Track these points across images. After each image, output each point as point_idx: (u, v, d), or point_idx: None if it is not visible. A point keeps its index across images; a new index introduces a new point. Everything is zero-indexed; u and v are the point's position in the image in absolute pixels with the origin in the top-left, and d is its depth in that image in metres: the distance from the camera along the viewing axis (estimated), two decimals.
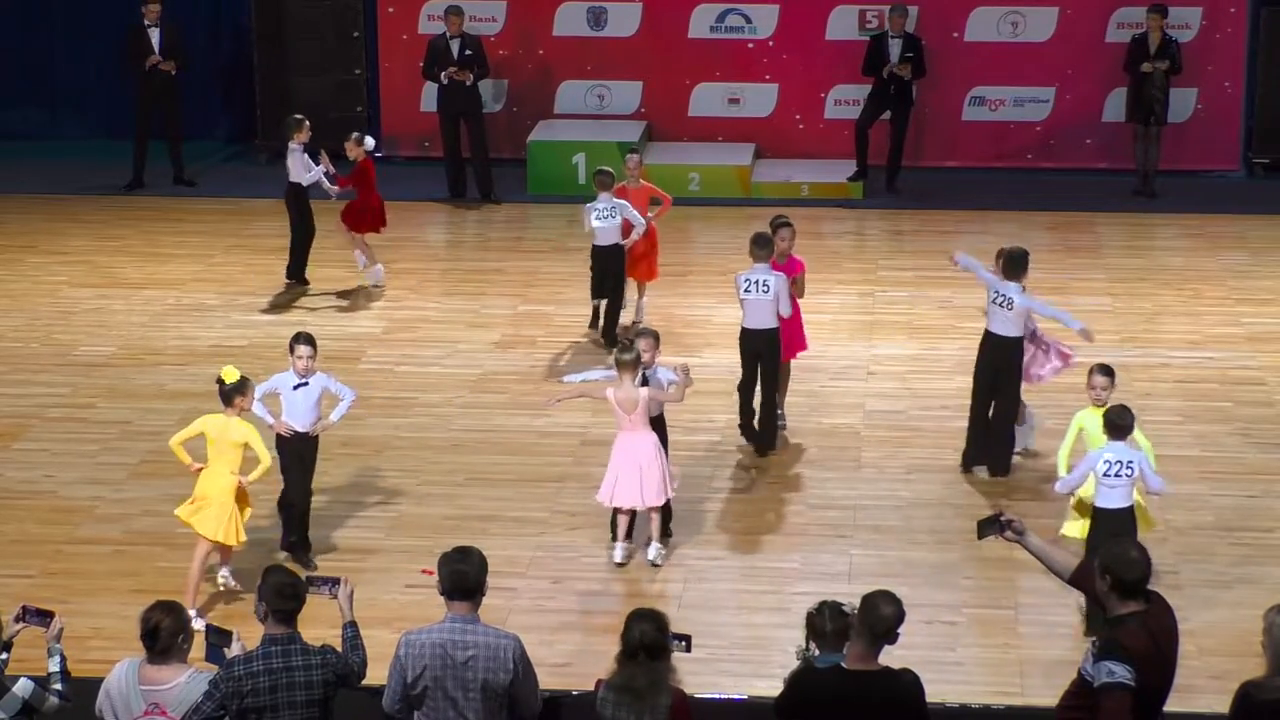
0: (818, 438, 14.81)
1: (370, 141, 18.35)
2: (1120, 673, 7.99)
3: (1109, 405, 11.91)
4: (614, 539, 12.85)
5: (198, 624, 11.21)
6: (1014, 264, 13.83)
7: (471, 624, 8.61)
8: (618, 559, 12.74)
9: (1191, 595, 12.00)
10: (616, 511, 12.79)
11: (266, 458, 12.17)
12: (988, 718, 10.44)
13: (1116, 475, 11.48)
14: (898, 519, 13.50)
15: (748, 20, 22.53)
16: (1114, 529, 11.23)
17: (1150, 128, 21.14)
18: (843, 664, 8.36)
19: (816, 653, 8.89)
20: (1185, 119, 21.88)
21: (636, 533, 12.86)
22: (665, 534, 12.96)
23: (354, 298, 18.16)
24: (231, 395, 12.07)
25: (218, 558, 12.31)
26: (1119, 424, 11.58)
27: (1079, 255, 19.26)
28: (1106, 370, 12.28)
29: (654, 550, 12.76)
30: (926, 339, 17.05)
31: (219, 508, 12.00)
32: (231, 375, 12.13)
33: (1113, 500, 11.52)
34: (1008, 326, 13.78)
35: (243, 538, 12.22)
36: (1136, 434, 11.76)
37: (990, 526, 8.86)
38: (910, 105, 21.39)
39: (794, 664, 9.09)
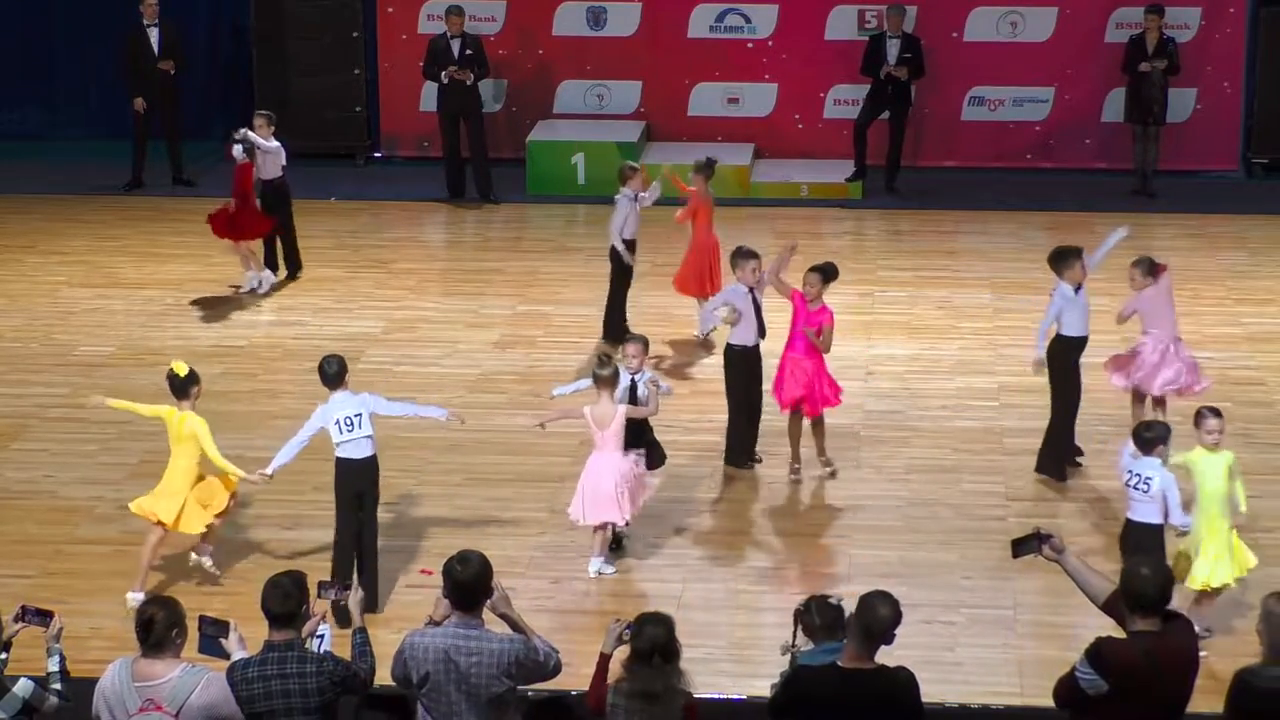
0: None
1: (238, 150, 17.87)
2: (1081, 671, 8.03)
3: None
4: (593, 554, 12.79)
5: (134, 598, 11.74)
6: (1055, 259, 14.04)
7: (475, 628, 8.56)
8: (590, 571, 12.68)
9: (1190, 595, 11.98)
10: (596, 528, 12.72)
11: (216, 456, 12.19)
12: (987, 718, 10.44)
13: (1134, 488, 11.45)
14: (897, 519, 13.50)
15: (747, 20, 22.55)
16: (1136, 542, 11.25)
17: (1149, 128, 21.16)
18: (839, 662, 8.35)
19: (807, 646, 8.90)
20: (1184, 119, 21.89)
21: (590, 545, 12.81)
22: (616, 547, 12.92)
23: (353, 297, 18.17)
24: (186, 388, 12.24)
25: (156, 537, 12.30)
26: (1143, 437, 11.54)
27: None
28: (1217, 413, 11.91)
29: (595, 564, 12.68)
30: (926, 339, 17.07)
31: (172, 496, 12.18)
32: (181, 368, 12.31)
33: (1136, 514, 11.49)
34: (1060, 327, 13.95)
35: (198, 528, 12.27)
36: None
37: (1027, 545, 8.58)
38: (908, 105, 21.40)
39: (786, 663, 9.11)
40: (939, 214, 20.85)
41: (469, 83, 21.16)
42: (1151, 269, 14.20)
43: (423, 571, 12.44)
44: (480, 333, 17.24)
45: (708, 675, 10.81)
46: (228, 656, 8.74)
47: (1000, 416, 15.28)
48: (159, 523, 12.22)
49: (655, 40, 22.58)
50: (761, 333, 14.14)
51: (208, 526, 12.36)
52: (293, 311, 17.83)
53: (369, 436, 12.02)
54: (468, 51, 21.21)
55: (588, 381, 13.27)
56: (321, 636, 9.03)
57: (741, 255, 14.31)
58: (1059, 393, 14.02)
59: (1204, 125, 22.13)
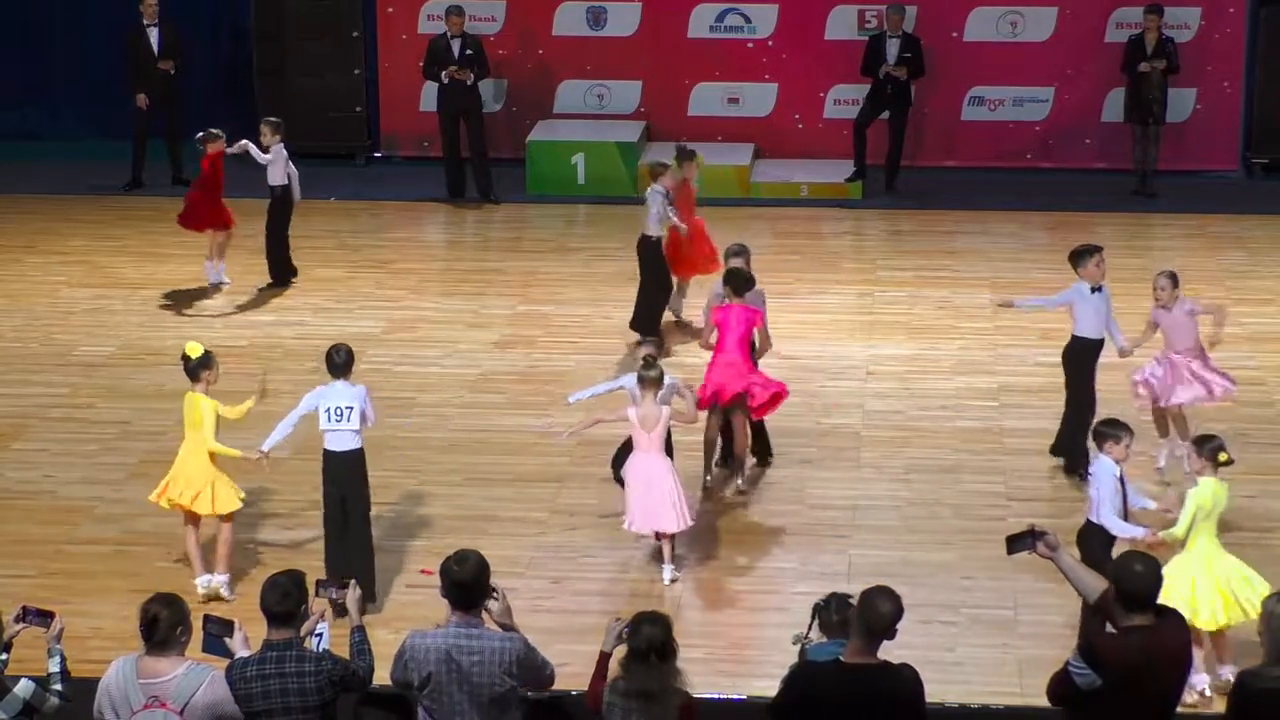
0: (817, 438, 14.81)
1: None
2: (1075, 666, 8.03)
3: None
4: (660, 560, 12.68)
5: (214, 584, 12.02)
6: (1072, 256, 14.09)
7: (475, 628, 8.58)
8: (666, 579, 12.56)
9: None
10: (656, 535, 12.66)
11: (210, 439, 12.20)
12: (986, 718, 10.44)
13: (1089, 487, 11.51)
14: (897, 519, 13.51)
15: (747, 20, 22.54)
16: (1082, 539, 11.29)
17: (1149, 128, 21.16)
18: (841, 658, 8.35)
19: (820, 640, 8.90)
20: (1184, 119, 21.89)
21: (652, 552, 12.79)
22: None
23: (353, 297, 18.17)
24: (196, 371, 12.23)
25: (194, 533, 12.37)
26: (1097, 430, 11.55)
27: None
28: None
29: (668, 571, 12.60)
30: (925, 339, 17.06)
31: (188, 480, 12.18)
32: (194, 350, 12.30)
33: (1090, 511, 11.50)
34: (1075, 326, 14.03)
35: (233, 505, 12.30)
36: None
37: (1021, 542, 8.61)
38: (908, 105, 21.40)
39: (794, 659, 9.11)
40: (939, 214, 20.85)
41: (469, 83, 21.16)
42: (1177, 283, 14.17)
43: (423, 571, 12.44)
44: (480, 333, 17.24)
45: (708, 675, 10.82)
46: (231, 656, 8.75)
47: (1000, 416, 15.29)
48: (187, 512, 12.26)
49: (655, 40, 22.58)
50: None
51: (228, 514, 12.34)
52: (293, 311, 17.83)
53: (355, 431, 12.01)
54: (468, 51, 21.21)
55: (604, 386, 13.39)
56: (320, 635, 9.04)
57: (731, 254, 14.41)
58: (1074, 394, 14.05)
59: (1204, 125, 22.13)
